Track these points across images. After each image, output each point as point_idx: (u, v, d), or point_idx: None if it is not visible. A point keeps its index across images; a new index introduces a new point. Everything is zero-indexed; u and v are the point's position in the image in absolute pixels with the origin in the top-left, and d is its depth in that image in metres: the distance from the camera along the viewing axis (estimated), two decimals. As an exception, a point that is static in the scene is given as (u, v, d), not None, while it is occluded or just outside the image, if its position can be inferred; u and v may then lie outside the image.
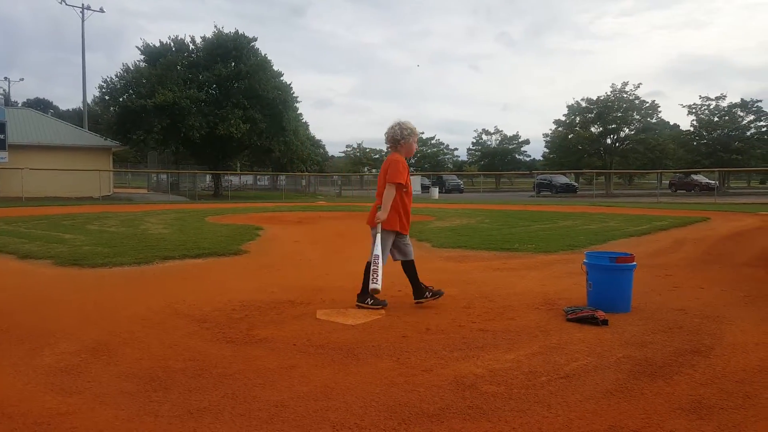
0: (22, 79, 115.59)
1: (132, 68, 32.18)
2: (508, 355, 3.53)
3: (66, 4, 37.84)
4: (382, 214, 4.74)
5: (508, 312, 4.66)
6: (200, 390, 2.94)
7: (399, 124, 4.89)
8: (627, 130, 48.70)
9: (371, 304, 4.73)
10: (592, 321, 4.23)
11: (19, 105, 60.74)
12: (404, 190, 4.83)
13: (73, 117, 60.21)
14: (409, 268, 4.94)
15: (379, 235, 4.80)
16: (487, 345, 3.74)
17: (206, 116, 31.32)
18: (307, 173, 41.52)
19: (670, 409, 2.70)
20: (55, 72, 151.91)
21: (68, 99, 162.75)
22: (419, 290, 4.90)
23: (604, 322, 4.20)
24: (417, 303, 4.87)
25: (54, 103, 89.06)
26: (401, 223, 4.86)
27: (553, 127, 52.51)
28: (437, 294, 4.89)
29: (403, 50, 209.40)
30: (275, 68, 34.43)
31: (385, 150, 5.13)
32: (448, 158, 73.52)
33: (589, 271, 4.74)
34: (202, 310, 4.68)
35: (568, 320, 4.34)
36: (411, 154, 5.01)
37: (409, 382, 3.05)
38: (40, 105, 75.59)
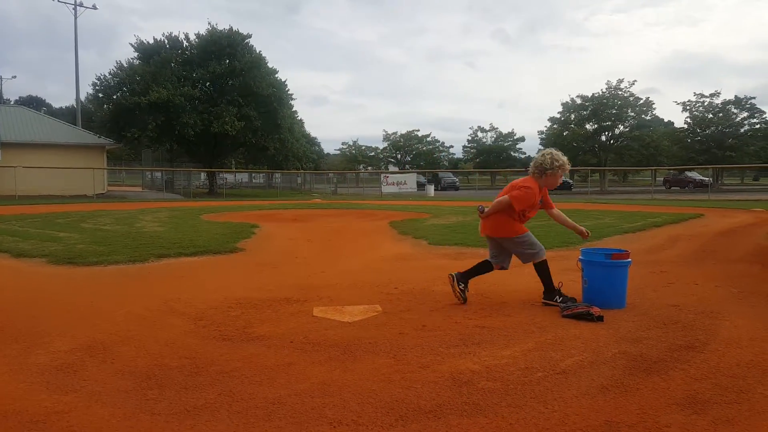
0: (14, 77, 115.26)
1: (126, 65, 32.04)
2: (504, 351, 3.54)
3: (59, 1, 37.62)
4: (488, 211, 4.92)
5: (504, 308, 4.68)
6: (197, 388, 2.94)
7: (552, 153, 4.85)
8: (621, 127, 48.84)
9: (560, 302, 4.68)
10: (587, 317, 4.25)
11: (12, 103, 60.41)
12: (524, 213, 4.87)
13: (67, 115, 59.89)
14: (486, 266, 5.01)
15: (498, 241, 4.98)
16: (484, 341, 3.75)
17: (201, 114, 31.24)
18: (302, 171, 41.50)
19: (665, 404, 2.72)
20: (47, 69, 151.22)
21: (61, 96, 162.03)
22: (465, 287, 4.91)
23: (600, 318, 4.22)
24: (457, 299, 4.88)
25: (47, 101, 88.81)
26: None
27: (548, 124, 52.61)
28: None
29: (399, 47, 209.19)
30: (270, 65, 34.40)
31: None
32: (443, 156, 73.54)
33: (584, 267, 4.76)
34: (198, 308, 4.67)
35: (564, 316, 4.35)
36: (553, 187, 4.91)
37: (406, 379, 3.05)
38: (33, 103, 75.24)
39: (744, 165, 46.87)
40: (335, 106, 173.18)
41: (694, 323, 4.17)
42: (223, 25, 33.99)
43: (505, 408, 2.68)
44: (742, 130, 48.19)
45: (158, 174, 41.07)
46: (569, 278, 5.73)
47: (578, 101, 48.99)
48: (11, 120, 30.34)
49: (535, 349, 3.59)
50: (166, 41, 33.32)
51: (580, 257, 4.85)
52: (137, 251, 7.83)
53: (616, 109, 47.34)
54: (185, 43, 33.76)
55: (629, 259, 4.72)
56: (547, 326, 4.12)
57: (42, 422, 2.54)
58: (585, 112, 48.57)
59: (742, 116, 48.31)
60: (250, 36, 33.69)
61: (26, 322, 4.25)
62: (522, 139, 69.48)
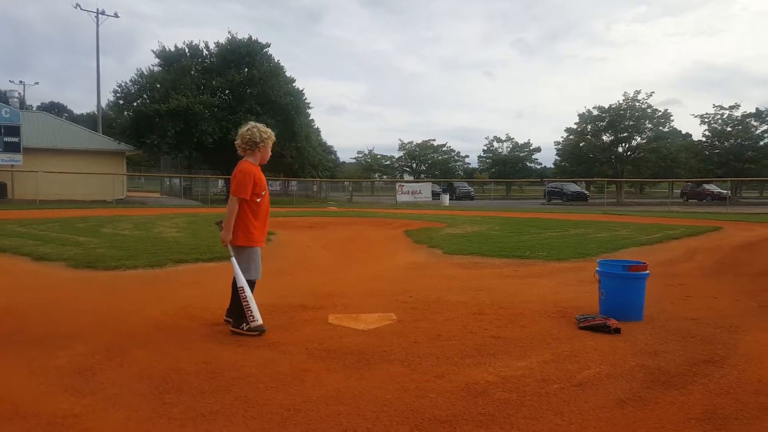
0: (37, 83, 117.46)
1: (146, 73, 32.53)
2: (520, 362, 3.52)
3: (81, 9, 38.41)
4: (226, 234, 4.32)
5: (519, 319, 4.65)
6: (213, 393, 2.96)
7: (257, 126, 4.49)
8: (639, 138, 48.41)
9: (247, 330, 4.13)
10: (604, 329, 4.21)
11: (34, 109, 61.62)
12: (257, 200, 4.41)
13: (87, 121, 60.84)
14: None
15: (234, 259, 4.40)
16: (499, 352, 3.73)
17: (219, 121, 31.56)
18: (318, 179, 41.63)
19: (684, 419, 2.68)
20: (69, 76, 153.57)
21: (82, 103, 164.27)
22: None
23: (617, 331, 4.18)
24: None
25: (68, 107, 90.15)
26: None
27: (565, 134, 52.33)
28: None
29: (417, 56, 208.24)
30: (288, 74, 34.70)
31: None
32: (459, 165, 73.45)
33: (601, 279, 4.71)
34: (214, 313, 4.71)
35: (580, 328, 4.31)
36: (265, 161, 4.63)
37: (421, 388, 3.04)
38: (55, 109, 76.55)
39: (763, 178, 46.13)
40: (353, 115, 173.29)
41: (713, 337, 4.11)
42: (242, 34, 34.40)
43: (521, 420, 2.66)
44: (761, 143, 47.38)
45: (177, 180, 41.46)
46: (585, 289, 5.68)
47: (595, 112, 48.68)
48: (33, 126, 30.87)
49: (551, 360, 3.56)
50: (187, 49, 33.80)
51: (597, 269, 4.81)
52: (156, 256, 7.91)
53: (633, 121, 46.93)
54: (205, 52, 34.20)
55: (647, 271, 4.68)
56: (563, 338, 4.08)
57: (59, 424, 2.58)
58: (602, 124, 48.21)
59: (762, 129, 47.57)
60: (268, 45, 34.05)
61: (46, 325, 4.31)
62: (538, 149, 69.12)
